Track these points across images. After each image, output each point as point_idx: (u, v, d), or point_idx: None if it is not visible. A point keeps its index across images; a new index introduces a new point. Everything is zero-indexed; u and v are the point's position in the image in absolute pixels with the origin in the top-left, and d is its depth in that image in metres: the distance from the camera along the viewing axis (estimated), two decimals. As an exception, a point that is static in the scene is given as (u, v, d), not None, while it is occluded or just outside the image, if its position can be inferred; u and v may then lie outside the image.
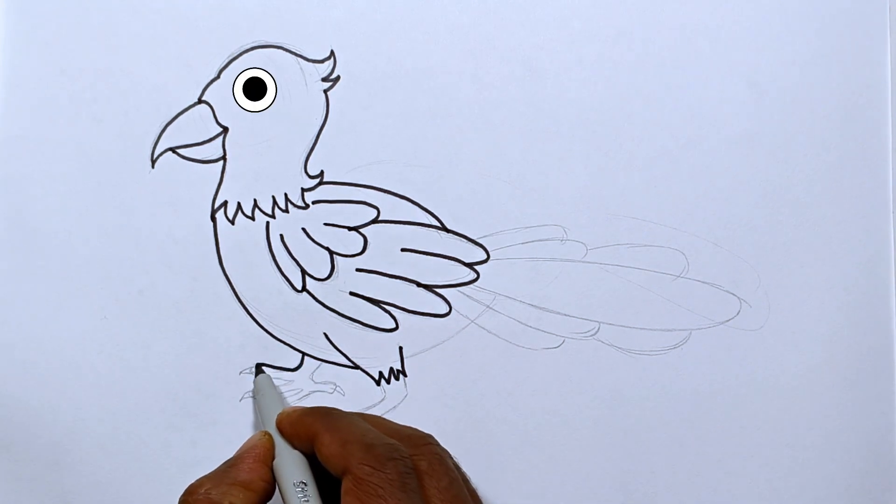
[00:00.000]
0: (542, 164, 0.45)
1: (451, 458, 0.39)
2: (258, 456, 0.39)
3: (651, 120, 0.45)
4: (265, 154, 0.45)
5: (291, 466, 0.38)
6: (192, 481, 0.38)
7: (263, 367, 0.44)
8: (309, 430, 0.38)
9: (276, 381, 0.45)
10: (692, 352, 0.45)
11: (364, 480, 0.34)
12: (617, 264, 0.45)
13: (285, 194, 0.45)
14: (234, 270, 0.45)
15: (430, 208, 0.45)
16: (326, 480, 0.38)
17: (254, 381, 0.44)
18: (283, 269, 0.45)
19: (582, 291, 0.45)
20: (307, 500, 0.37)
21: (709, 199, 0.45)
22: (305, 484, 0.37)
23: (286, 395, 0.45)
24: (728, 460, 0.45)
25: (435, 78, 0.45)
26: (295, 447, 0.39)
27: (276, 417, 0.40)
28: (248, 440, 0.40)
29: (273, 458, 0.39)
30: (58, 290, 0.45)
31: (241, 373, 0.45)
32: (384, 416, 0.45)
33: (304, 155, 0.45)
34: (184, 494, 0.37)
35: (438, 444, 0.38)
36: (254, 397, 0.44)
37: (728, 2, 0.45)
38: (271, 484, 0.38)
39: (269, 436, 0.40)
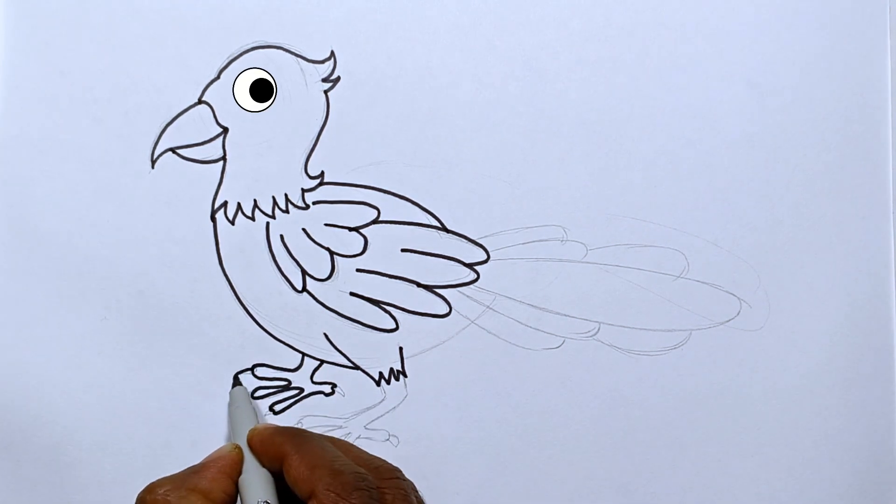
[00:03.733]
0: (542, 164, 0.45)
1: (417, 492, 0.39)
2: (223, 468, 0.39)
3: (651, 120, 0.45)
4: (265, 154, 0.45)
5: (257, 484, 0.38)
6: (151, 482, 0.38)
7: (240, 379, 0.44)
8: (279, 449, 0.38)
9: (274, 382, 0.45)
10: (692, 352, 0.45)
11: None
12: (617, 265, 0.45)
13: (285, 195, 0.45)
14: (234, 271, 0.45)
15: (430, 209, 0.45)
16: (290, 502, 0.38)
17: (230, 393, 0.44)
18: (284, 270, 0.45)
19: (582, 292, 0.45)
20: None
21: (709, 199, 0.45)
22: (268, 503, 0.38)
23: (285, 393, 0.45)
24: (728, 460, 0.45)
25: (435, 78, 0.45)
26: (263, 465, 0.39)
27: (247, 433, 0.40)
28: (217, 450, 0.40)
29: (239, 473, 0.39)
30: (58, 290, 0.45)
31: (235, 375, 0.45)
32: (382, 416, 0.45)
33: (305, 155, 0.45)
34: (143, 491, 0.37)
35: (406, 479, 0.39)
36: (228, 408, 0.44)
37: (728, 2, 0.45)
38: (232, 497, 0.38)
39: (239, 449, 0.40)
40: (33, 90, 0.45)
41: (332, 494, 0.35)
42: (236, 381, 0.44)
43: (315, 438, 0.39)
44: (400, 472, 0.39)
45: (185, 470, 0.39)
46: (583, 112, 0.45)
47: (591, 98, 0.45)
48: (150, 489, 0.37)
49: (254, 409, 0.43)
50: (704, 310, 0.45)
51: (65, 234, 0.45)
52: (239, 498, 0.39)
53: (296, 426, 0.43)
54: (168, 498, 0.37)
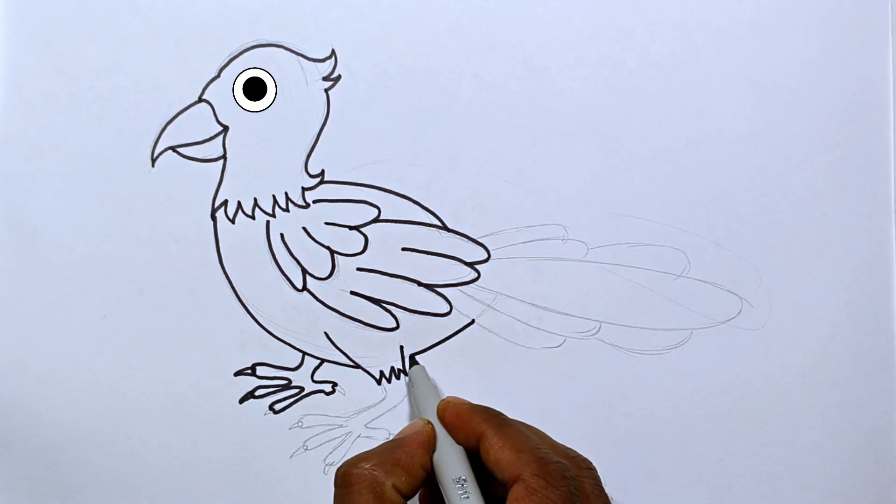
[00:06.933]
0: (543, 164, 0.45)
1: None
2: (422, 443, 0.39)
3: (652, 119, 0.45)
4: (265, 153, 0.45)
5: (453, 460, 0.38)
6: (351, 457, 0.38)
7: (417, 359, 0.44)
8: (476, 427, 0.38)
9: (274, 381, 0.45)
10: (693, 351, 0.45)
11: (537, 492, 0.35)
12: (618, 264, 0.45)
13: (286, 193, 0.45)
14: (234, 270, 0.45)
15: (430, 207, 0.45)
16: (478, 477, 0.38)
17: (409, 372, 0.44)
18: (284, 269, 0.45)
19: (583, 291, 0.45)
20: (467, 497, 0.37)
21: (710, 199, 0.45)
22: (465, 480, 0.37)
23: (286, 392, 0.45)
24: (728, 460, 0.45)
25: (435, 77, 0.45)
26: (456, 441, 0.39)
27: (435, 407, 0.40)
28: (411, 425, 0.40)
29: (434, 449, 0.39)
30: (58, 290, 0.45)
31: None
32: (383, 415, 0.45)
33: (305, 154, 0.45)
34: (345, 465, 0.37)
35: (596, 470, 0.39)
36: (409, 387, 0.44)
37: (729, 1, 0.45)
38: (429, 473, 0.38)
39: (432, 425, 0.40)
40: (33, 89, 0.45)
41: (541, 480, 0.35)
42: (413, 362, 0.44)
43: (515, 422, 0.39)
44: (592, 463, 0.39)
45: (384, 444, 0.39)
46: (583, 111, 0.45)
47: (591, 97, 0.45)
48: (354, 463, 0.37)
49: (434, 384, 0.43)
50: (705, 309, 0.45)
51: (65, 233, 0.45)
52: (435, 473, 0.38)
53: (486, 406, 0.42)
54: (374, 473, 0.37)
